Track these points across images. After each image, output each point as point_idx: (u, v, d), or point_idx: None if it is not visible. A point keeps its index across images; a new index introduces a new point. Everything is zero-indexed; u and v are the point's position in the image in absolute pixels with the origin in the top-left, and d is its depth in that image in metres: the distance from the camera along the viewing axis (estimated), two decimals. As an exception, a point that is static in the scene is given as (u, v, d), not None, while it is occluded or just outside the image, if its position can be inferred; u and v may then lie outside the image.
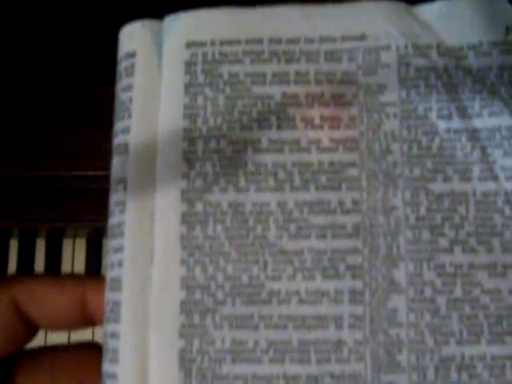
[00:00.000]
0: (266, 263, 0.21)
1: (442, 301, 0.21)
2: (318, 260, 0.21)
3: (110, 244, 0.22)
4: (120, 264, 0.21)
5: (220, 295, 0.21)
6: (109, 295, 0.21)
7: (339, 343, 0.21)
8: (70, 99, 0.71)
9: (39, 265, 0.76)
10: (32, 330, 0.23)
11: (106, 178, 0.69)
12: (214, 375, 0.21)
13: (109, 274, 0.22)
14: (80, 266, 0.76)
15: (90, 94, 0.71)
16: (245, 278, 0.21)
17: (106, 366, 0.21)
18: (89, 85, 0.71)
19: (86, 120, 0.70)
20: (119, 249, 0.21)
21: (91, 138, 0.70)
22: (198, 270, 0.21)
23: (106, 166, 0.69)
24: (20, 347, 0.23)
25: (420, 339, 0.21)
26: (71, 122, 0.71)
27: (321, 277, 0.21)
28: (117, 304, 0.21)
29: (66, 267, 0.76)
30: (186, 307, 0.21)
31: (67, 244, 0.77)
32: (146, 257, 0.21)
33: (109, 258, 0.22)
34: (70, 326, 0.23)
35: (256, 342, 0.21)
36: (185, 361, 0.21)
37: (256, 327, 0.21)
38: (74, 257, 0.77)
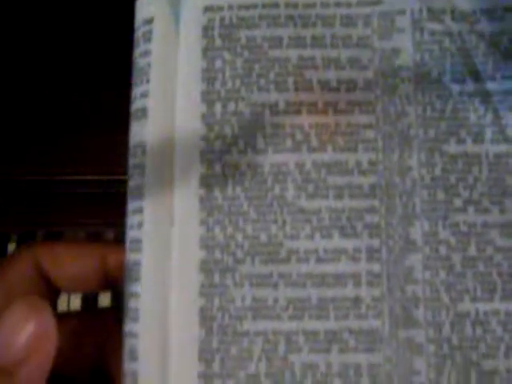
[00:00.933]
0: (284, 222, 0.21)
1: (456, 259, 0.21)
2: (335, 219, 0.21)
3: (129, 206, 0.22)
4: (140, 225, 0.21)
5: (239, 254, 0.21)
6: (129, 256, 0.22)
7: (357, 300, 0.21)
8: (71, 104, 0.71)
9: (38, 269, 0.76)
10: (55, 292, 0.23)
11: (109, 183, 0.69)
12: (235, 332, 0.21)
13: (128, 234, 0.22)
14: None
15: (92, 99, 0.71)
16: (264, 237, 0.21)
17: (127, 325, 0.21)
18: (92, 90, 0.71)
19: (87, 125, 0.70)
20: (138, 210, 0.21)
21: (93, 143, 0.70)
22: (217, 230, 0.21)
23: (109, 171, 0.69)
24: None
25: (436, 296, 0.21)
26: (73, 127, 0.70)
27: (339, 235, 0.21)
28: (137, 264, 0.21)
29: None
30: (205, 266, 0.21)
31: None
32: (165, 218, 0.21)
33: (128, 220, 0.22)
34: (90, 288, 0.24)
35: (276, 300, 0.21)
36: (206, 318, 0.21)
37: (275, 285, 0.21)
38: (73, 261, 0.76)
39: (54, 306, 0.24)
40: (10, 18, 0.70)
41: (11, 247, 0.76)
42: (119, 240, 0.73)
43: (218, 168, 0.21)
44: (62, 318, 0.24)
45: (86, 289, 0.24)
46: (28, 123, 0.71)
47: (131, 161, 0.22)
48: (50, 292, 0.24)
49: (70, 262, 0.23)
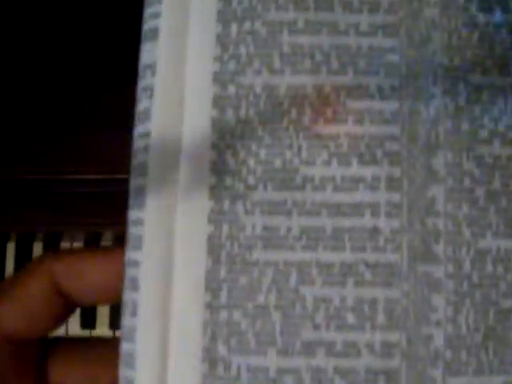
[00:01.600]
0: (300, 148, 0.20)
1: (480, 192, 0.19)
2: (354, 145, 0.20)
3: (136, 130, 0.20)
4: (146, 148, 0.20)
5: (251, 180, 0.20)
6: (133, 181, 0.20)
7: (375, 231, 0.19)
8: (72, 104, 0.70)
9: (36, 269, 0.74)
10: (70, 306, 0.22)
11: (109, 182, 0.68)
12: (244, 261, 0.19)
13: (134, 158, 0.20)
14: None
15: (93, 98, 0.70)
16: (278, 163, 0.20)
17: (128, 254, 0.20)
18: (93, 89, 0.71)
19: (88, 124, 0.69)
20: (146, 134, 0.20)
21: (94, 142, 0.69)
22: (228, 155, 0.20)
23: (109, 170, 0.68)
24: (58, 325, 0.22)
25: (457, 230, 0.19)
26: (74, 126, 0.70)
27: (357, 162, 0.20)
28: (141, 189, 0.20)
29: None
30: (215, 192, 0.20)
31: (64, 248, 0.75)
32: (174, 141, 0.20)
33: (134, 143, 0.20)
34: (110, 299, 0.22)
35: (288, 229, 0.19)
36: (213, 246, 0.19)
37: (289, 213, 0.19)
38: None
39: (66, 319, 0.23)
40: (11, 18, 0.69)
41: (10, 246, 0.75)
42: (119, 239, 0.72)
43: (231, 89, 0.20)
44: (75, 343, 0.23)
45: (106, 301, 0.22)
46: (28, 123, 0.70)
47: (141, 83, 0.21)
48: (68, 307, 0.22)
49: (89, 275, 0.21)
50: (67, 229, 0.73)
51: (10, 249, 0.76)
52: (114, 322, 0.73)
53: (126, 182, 0.21)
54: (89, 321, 0.72)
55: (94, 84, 0.71)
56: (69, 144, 0.70)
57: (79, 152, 0.70)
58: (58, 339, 0.23)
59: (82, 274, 0.21)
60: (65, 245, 0.75)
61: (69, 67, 0.71)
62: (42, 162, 0.70)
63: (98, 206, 0.70)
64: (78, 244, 0.75)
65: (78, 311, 0.70)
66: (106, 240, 0.74)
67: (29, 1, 0.70)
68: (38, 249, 0.75)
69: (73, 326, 0.71)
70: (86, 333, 0.71)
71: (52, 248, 0.73)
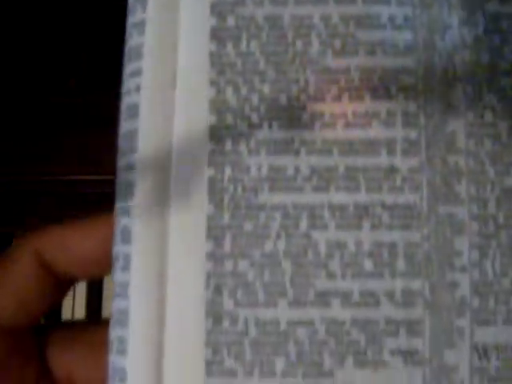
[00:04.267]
0: (307, 82, 0.17)
1: (502, 126, 0.17)
2: (366, 79, 0.17)
3: (127, 68, 0.18)
4: (137, 89, 0.17)
5: (255, 118, 0.17)
6: (124, 125, 0.18)
7: (391, 170, 0.17)
8: (69, 104, 0.68)
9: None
10: (62, 285, 0.20)
11: (107, 183, 0.65)
12: (249, 205, 0.17)
13: (125, 101, 0.18)
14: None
15: (90, 99, 0.68)
16: (283, 99, 0.17)
17: (119, 202, 0.17)
18: (89, 90, 0.68)
19: (86, 125, 0.67)
20: (137, 73, 0.18)
21: (92, 143, 0.66)
22: (229, 92, 0.17)
23: (107, 171, 0.65)
24: (52, 303, 0.20)
25: (480, 169, 0.17)
26: (72, 127, 0.67)
27: (370, 97, 0.17)
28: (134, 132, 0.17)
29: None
30: (216, 132, 0.17)
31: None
32: (168, 79, 0.17)
33: (125, 79, 0.18)
34: (101, 270, 0.19)
35: (297, 169, 0.17)
36: (215, 191, 0.17)
37: (297, 153, 0.17)
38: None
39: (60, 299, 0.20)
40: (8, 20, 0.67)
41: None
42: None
43: (231, 21, 0.17)
44: (58, 333, 0.20)
45: (98, 272, 0.19)
46: (29, 124, 0.67)
47: (130, 19, 0.18)
48: (59, 286, 0.20)
49: (78, 246, 0.19)
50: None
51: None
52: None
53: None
54: (95, 305, 0.69)
55: (94, 86, 0.69)
56: (71, 145, 0.68)
57: (80, 153, 0.67)
58: (58, 326, 0.20)
59: (66, 245, 0.19)
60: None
61: (64, 67, 0.69)
62: (44, 162, 0.68)
63: (101, 208, 0.67)
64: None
65: (83, 295, 0.67)
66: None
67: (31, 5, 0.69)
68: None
69: (79, 311, 0.68)
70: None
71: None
